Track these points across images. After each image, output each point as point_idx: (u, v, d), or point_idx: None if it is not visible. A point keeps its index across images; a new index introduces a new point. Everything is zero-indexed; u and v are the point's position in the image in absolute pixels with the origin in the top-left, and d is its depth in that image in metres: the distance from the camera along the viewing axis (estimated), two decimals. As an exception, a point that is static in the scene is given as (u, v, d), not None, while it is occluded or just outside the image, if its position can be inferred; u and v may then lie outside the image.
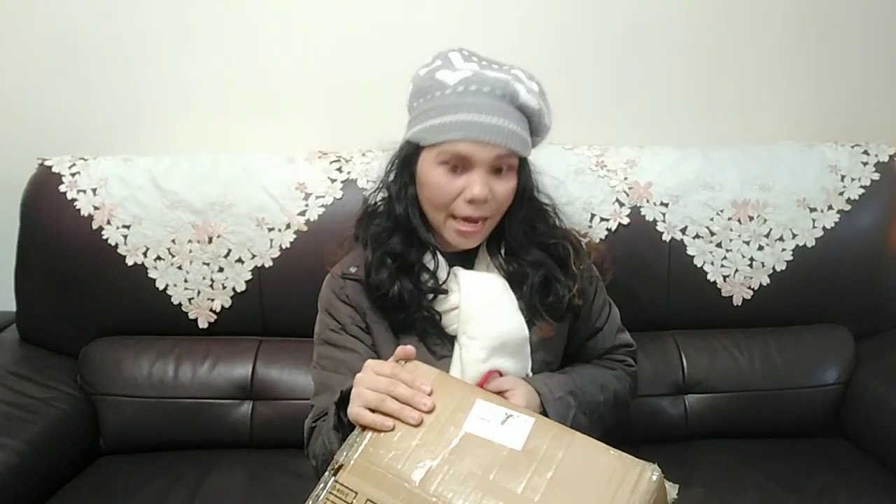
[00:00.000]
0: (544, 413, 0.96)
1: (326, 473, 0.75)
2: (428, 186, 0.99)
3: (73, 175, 1.42)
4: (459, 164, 0.96)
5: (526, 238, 1.05)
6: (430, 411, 0.78)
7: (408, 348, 0.86)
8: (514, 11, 1.57)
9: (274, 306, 1.45)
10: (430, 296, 1.03)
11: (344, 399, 0.87)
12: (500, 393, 0.93)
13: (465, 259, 1.06)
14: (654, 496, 0.69)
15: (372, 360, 0.86)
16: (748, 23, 1.61)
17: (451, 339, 1.03)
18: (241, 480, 1.30)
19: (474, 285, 1.03)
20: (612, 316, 1.17)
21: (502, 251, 1.05)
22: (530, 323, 1.04)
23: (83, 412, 1.39)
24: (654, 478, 0.70)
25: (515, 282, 1.05)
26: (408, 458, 0.74)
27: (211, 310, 1.45)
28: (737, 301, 1.48)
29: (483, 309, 1.02)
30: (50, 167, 1.43)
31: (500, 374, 1.00)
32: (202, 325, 1.46)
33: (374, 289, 1.03)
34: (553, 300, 1.04)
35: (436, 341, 1.04)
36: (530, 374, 1.04)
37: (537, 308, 1.03)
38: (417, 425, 0.76)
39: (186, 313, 1.45)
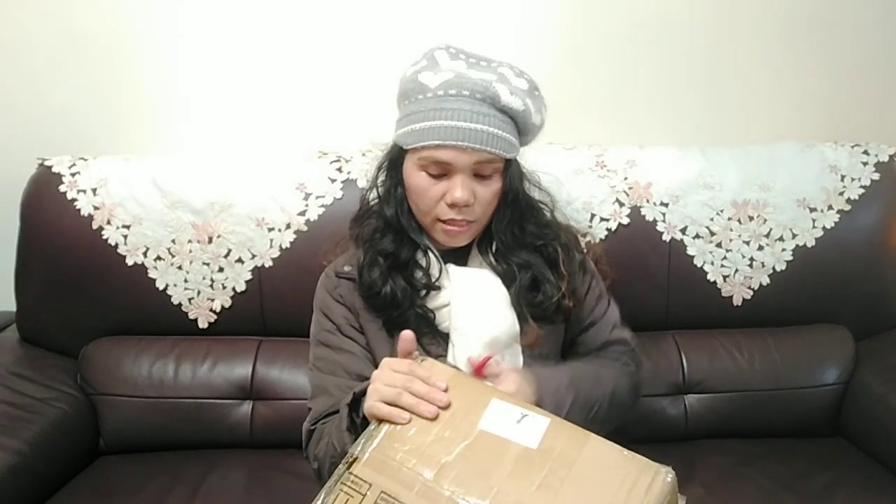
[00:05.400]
0: (537, 405, 0.92)
1: (341, 466, 0.75)
2: (412, 189, 1.00)
3: (73, 175, 1.42)
4: (440, 169, 0.96)
5: (514, 240, 1.04)
6: (445, 407, 0.78)
7: (406, 333, 0.86)
8: (513, 11, 1.57)
9: (274, 306, 1.45)
10: (423, 292, 1.02)
11: (355, 401, 0.87)
12: (490, 379, 0.91)
13: (458, 256, 1.06)
14: (668, 498, 0.69)
15: (388, 358, 0.86)
16: (748, 23, 1.61)
17: (445, 338, 1.03)
18: (241, 480, 1.30)
19: (466, 281, 1.03)
20: (608, 311, 1.15)
21: (492, 250, 1.05)
22: (523, 318, 1.03)
23: (83, 412, 1.39)
24: (669, 479, 0.70)
25: (506, 281, 1.04)
26: (423, 453, 0.74)
27: (211, 310, 1.45)
28: (737, 301, 1.48)
29: (474, 305, 1.01)
30: (50, 167, 1.43)
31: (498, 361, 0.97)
32: (202, 325, 1.46)
33: (366, 288, 1.03)
34: (541, 300, 1.03)
35: (430, 340, 1.03)
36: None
37: (524, 311, 1.03)
38: (433, 419, 0.77)
39: (186, 313, 1.45)
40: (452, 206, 0.96)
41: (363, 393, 0.85)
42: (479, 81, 0.94)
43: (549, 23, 1.58)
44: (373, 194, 1.09)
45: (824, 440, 1.43)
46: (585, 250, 1.17)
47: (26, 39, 1.56)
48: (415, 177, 0.98)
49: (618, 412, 1.06)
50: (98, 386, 1.41)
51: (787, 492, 1.24)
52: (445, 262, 1.04)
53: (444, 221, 0.99)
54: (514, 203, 1.03)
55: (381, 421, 0.79)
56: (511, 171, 1.01)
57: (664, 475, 0.70)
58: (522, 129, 1.00)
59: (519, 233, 1.05)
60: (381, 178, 1.06)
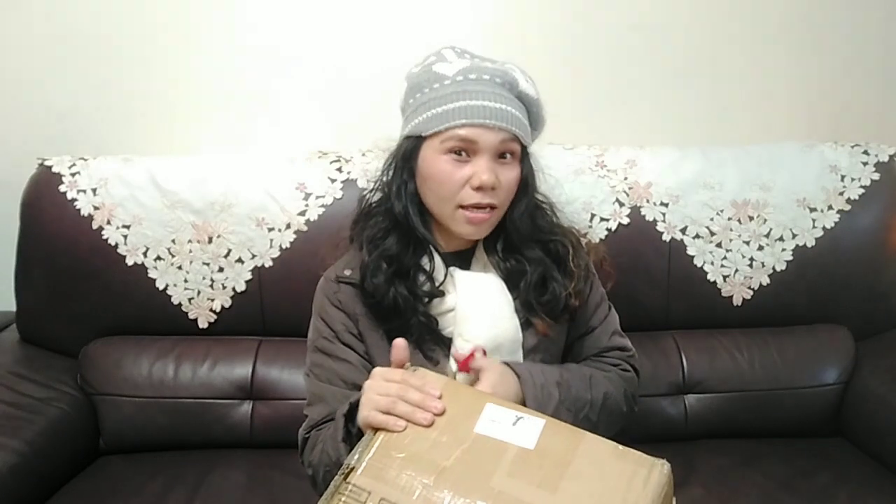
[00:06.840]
0: (523, 402, 0.92)
1: (337, 477, 0.75)
2: (433, 177, 0.98)
3: (73, 175, 1.42)
4: (465, 150, 0.95)
5: (528, 231, 1.03)
6: (440, 414, 0.78)
7: (399, 341, 0.86)
8: (513, 11, 1.57)
9: (274, 306, 1.45)
10: (426, 299, 1.01)
11: (351, 411, 0.87)
12: (475, 372, 0.92)
13: (462, 259, 1.05)
14: (665, 490, 0.71)
15: (379, 367, 0.86)
16: (748, 23, 1.61)
17: (446, 343, 1.01)
18: (241, 480, 1.30)
19: (471, 286, 1.02)
20: (609, 317, 1.14)
21: (500, 247, 1.04)
22: (526, 323, 1.02)
23: (83, 412, 1.39)
24: (665, 471, 0.71)
25: (512, 280, 1.03)
26: (421, 459, 0.74)
27: (211, 310, 1.45)
28: (737, 301, 1.48)
29: (479, 310, 1.00)
30: (50, 167, 1.43)
31: (485, 353, 0.96)
32: (202, 325, 1.46)
33: (368, 295, 1.01)
34: (549, 299, 1.02)
35: (432, 347, 1.02)
36: None
37: (533, 306, 1.02)
38: (429, 426, 0.77)
39: (186, 313, 1.45)
40: (479, 189, 0.95)
41: (359, 403, 0.84)
42: (497, 67, 0.97)
43: (550, 23, 1.58)
44: (376, 196, 1.07)
45: (824, 440, 1.43)
46: (587, 252, 1.17)
47: (26, 39, 1.56)
48: (437, 162, 0.97)
49: (611, 417, 1.03)
50: (98, 386, 1.41)
51: (787, 492, 1.24)
52: (449, 266, 1.03)
53: (466, 208, 0.97)
54: (531, 193, 1.04)
55: (376, 430, 0.79)
56: (527, 161, 1.02)
57: (660, 467, 0.72)
58: (533, 120, 1.01)
59: (532, 225, 1.04)
60: (389, 175, 1.04)
